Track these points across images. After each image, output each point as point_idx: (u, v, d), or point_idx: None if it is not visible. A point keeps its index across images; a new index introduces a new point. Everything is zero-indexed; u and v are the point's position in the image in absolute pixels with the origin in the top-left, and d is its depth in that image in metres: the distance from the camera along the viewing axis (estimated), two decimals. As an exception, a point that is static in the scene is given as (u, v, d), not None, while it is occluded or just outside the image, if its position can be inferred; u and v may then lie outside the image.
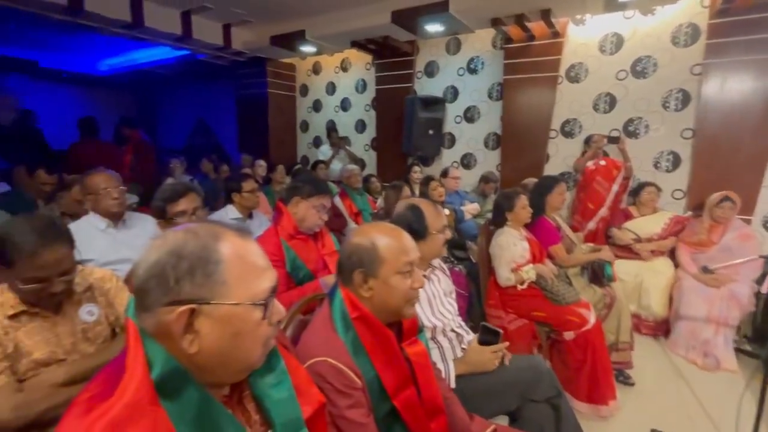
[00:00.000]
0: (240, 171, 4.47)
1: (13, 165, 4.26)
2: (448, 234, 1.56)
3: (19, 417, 1.01)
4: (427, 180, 3.40)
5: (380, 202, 4.10)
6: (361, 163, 5.42)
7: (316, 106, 6.13)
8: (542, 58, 4.07)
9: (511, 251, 2.24)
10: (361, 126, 5.72)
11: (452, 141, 4.94)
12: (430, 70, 4.96)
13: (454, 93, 4.83)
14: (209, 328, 0.62)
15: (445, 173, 3.98)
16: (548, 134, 4.19)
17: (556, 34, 3.93)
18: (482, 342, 1.49)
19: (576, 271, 2.59)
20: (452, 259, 3.02)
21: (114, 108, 7.79)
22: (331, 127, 5.67)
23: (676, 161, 3.63)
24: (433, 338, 1.46)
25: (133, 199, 3.23)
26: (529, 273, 2.24)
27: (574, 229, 3.27)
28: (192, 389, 0.62)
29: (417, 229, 1.46)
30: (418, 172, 4.33)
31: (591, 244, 2.88)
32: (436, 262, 1.64)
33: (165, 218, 1.79)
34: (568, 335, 2.09)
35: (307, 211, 1.88)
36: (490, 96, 4.61)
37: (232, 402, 0.71)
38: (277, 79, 6.01)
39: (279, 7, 4.37)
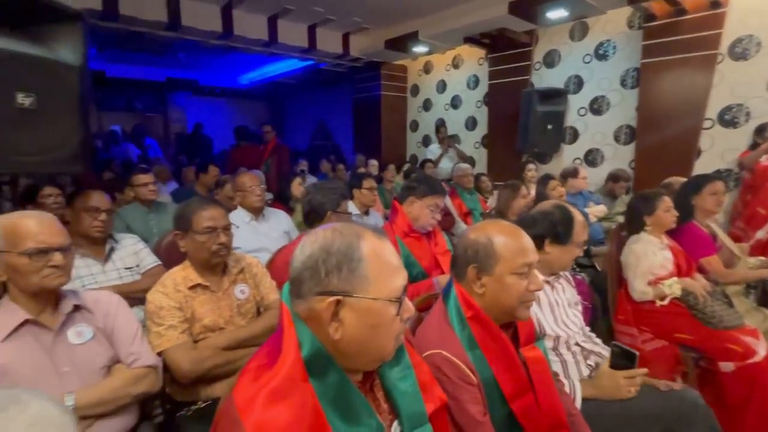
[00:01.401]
0: (355, 170, 4.78)
1: (182, 166, 5.25)
2: (582, 251, 1.44)
3: (194, 370, 1.25)
4: (546, 179, 3.15)
5: (491, 201, 3.96)
6: (471, 162, 5.30)
7: (426, 105, 6.19)
8: (695, 35, 3.44)
9: (650, 261, 1.95)
10: (471, 123, 5.59)
11: (574, 136, 4.51)
12: (550, 61, 4.60)
13: (578, 83, 4.40)
14: (352, 318, 0.68)
15: (573, 173, 3.61)
16: (701, 124, 3.53)
17: (716, 4, 3.29)
18: (615, 365, 1.33)
19: (738, 290, 2.14)
20: (574, 266, 2.76)
21: (251, 116, 9.00)
22: (441, 125, 5.65)
23: None
24: (555, 349, 1.36)
25: (268, 196, 3.69)
26: (673, 287, 1.92)
27: (736, 239, 2.70)
28: (333, 371, 0.69)
29: (560, 232, 1.38)
30: (532, 170, 4.05)
31: (760, 258, 2.35)
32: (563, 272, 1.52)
33: (335, 211, 1.87)
34: (726, 366, 1.74)
35: (421, 211, 1.92)
36: (623, 84, 4.08)
37: (364, 388, 0.77)
38: (390, 81, 6.24)
39: (393, 11, 4.52)
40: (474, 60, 5.40)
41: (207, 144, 6.59)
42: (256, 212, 2.44)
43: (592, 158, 4.40)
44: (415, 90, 6.34)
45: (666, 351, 1.91)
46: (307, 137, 8.77)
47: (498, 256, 1.02)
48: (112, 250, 1.86)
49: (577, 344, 1.41)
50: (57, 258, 1.07)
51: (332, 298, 0.67)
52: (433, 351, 0.96)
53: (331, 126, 8.29)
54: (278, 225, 2.51)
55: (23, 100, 1.44)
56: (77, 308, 1.15)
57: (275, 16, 4.66)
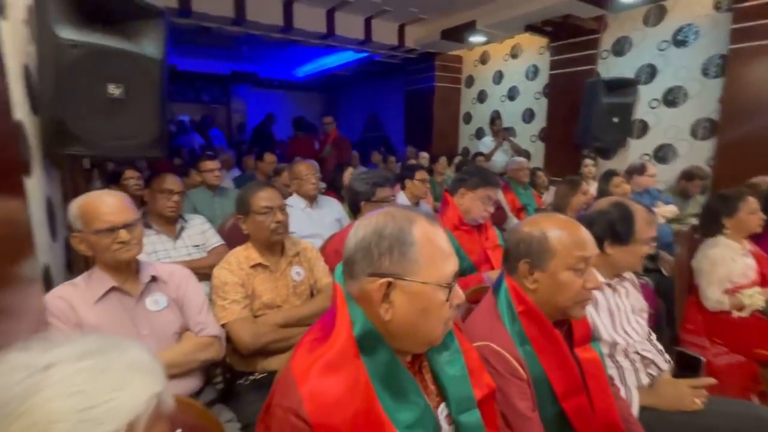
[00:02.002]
0: (405, 162, 4.78)
1: (243, 155, 5.56)
2: (651, 248, 1.34)
3: (253, 343, 1.35)
4: (609, 175, 2.96)
5: (547, 197, 3.79)
6: (526, 156, 5.10)
7: (481, 96, 6.02)
8: (797, 16, 3.03)
9: (728, 268, 1.78)
10: (528, 115, 5.37)
11: (643, 129, 4.18)
12: (620, 48, 4.28)
13: (650, 72, 4.06)
14: (402, 300, 0.70)
15: (640, 169, 3.34)
16: (798, 118, 3.13)
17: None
18: (678, 373, 1.24)
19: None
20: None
21: (306, 107, 9.28)
22: (496, 117, 5.48)
23: None
24: (611, 356, 1.29)
25: (322, 185, 3.81)
26: (754, 298, 1.74)
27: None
28: (383, 350, 0.71)
29: (619, 231, 1.30)
30: (589, 166, 3.82)
31: None
32: (628, 273, 1.43)
33: (370, 200, 1.84)
34: (815, 389, 1.56)
35: (473, 203, 1.89)
36: (704, 73, 3.70)
37: (413, 369, 0.78)
38: (444, 72, 6.14)
39: (451, 0, 4.43)
40: (534, 49, 5.16)
41: (271, 134, 6.94)
42: (311, 199, 2.53)
43: (662, 154, 4.05)
44: (470, 81, 6.19)
45: (742, 367, 1.74)
46: (358, 129, 8.89)
47: (552, 251, 0.98)
48: (182, 228, 2.03)
49: (636, 353, 1.32)
50: (123, 234, 1.17)
51: (383, 280, 0.69)
52: (481, 343, 0.95)
53: (383, 118, 8.33)
54: (331, 212, 2.60)
55: (113, 90, 1.60)
56: (154, 279, 1.28)
57: (333, 9, 4.75)
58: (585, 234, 1.00)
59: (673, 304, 2.15)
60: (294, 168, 2.55)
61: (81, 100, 1.54)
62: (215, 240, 2.09)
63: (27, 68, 1.56)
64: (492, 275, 1.72)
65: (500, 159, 4.86)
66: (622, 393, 1.22)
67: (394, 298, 0.70)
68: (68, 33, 1.48)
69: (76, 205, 1.19)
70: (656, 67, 4.02)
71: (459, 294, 0.74)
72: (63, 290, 1.16)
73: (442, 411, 0.78)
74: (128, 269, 1.23)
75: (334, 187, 3.37)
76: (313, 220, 2.48)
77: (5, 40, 1.32)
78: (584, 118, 4.14)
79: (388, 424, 0.67)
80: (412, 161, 4.70)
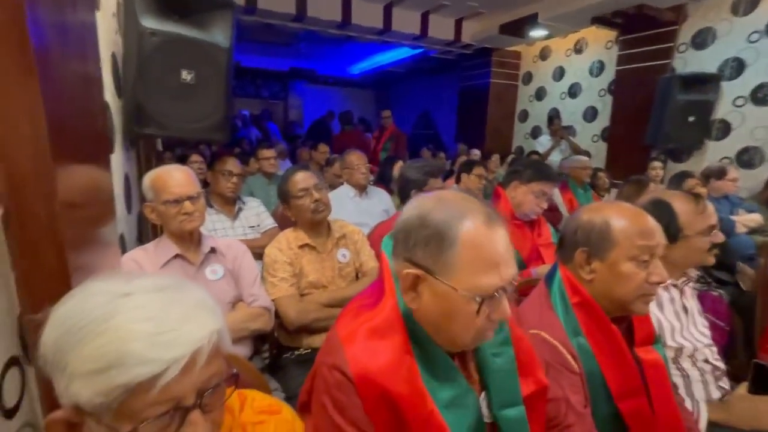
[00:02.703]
0: (455, 159, 4.71)
1: (296, 148, 5.77)
2: (719, 236, 1.21)
3: (299, 319, 1.40)
4: (682, 176, 2.71)
5: (607, 199, 3.56)
6: (586, 156, 4.81)
7: (539, 94, 5.77)
8: None
9: (823, 282, 1.56)
10: (591, 114, 5.06)
11: (725, 130, 3.78)
12: (701, 41, 3.90)
13: (737, 67, 3.66)
14: (428, 297, 0.65)
15: (719, 173, 3.03)
16: None
17: None
18: (755, 389, 1.11)
19: None
20: (709, 280, 2.35)
21: (359, 104, 9.43)
22: (554, 115, 5.23)
23: None
24: (676, 362, 1.18)
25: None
26: None
27: None
28: (421, 330, 0.68)
29: (664, 230, 1.19)
30: (657, 169, 3.52)
31: None
32: (694, 272, 1.31)
33: (421, 189, 1.88)
34: None
35: (525, 197, 1.82)
36: (804, 67, 3.28)
37: (457, 354, 0.74)
38: (501, 68, 5.95)
39: (513, -8, 4.29)
40: (601, 43, 4.85)
41: (329, 129, 7.19)
42: (360, 189, 2.57)
43: (748, 158, 3.64)
44: (528, 78, 5.95)
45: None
46: (410, 126, 8.88)
47: (614, 241, 0.91)
48: (239, 210, 2.15)
49: (707, 361, 1.20)
50: (187, 206, 1.27)
51: (411, 270, 0.65)
52: (532, 331, 0.91)
53: (434, 116, 8.25)
54: (379, 203, 2.62)
55: (186, 76, 1.73)
56: (213, 250, 1.36)
57: (390, 5, 4.78)
58: (651, 222, 0.93)
59: (752, 322, 1.93)
60: (345, 158, 2.60)
61: (157, 84, 1.68)
62: (269, 222, 2.19)
63: (114, 56, 1.72)
64: (541, 270, 1.65)
65: (556, 159, 4.63)
66: (688, 405, 1.12)
67: (422, 291, 0.66)
68: (150, 22, 1.62)
69: (149, 177, 1.29)
70: (744, 61, 3.61)
71: (504, 310, 0.65)
72: (135, 253, 1.28)
73: (482, 400, 0.74)
74: (191, 239, 1.33)
75: (383, 180, 3.40)
76: (361, 209, 2.52)
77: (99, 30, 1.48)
78: (656, 116, 3.83)
79: (429, 398, 0.66)
80: (463, 158, 4.61)
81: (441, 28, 5.20)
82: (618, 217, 0.93)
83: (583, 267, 0.95)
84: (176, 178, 1.29)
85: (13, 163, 0.66)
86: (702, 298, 1.46)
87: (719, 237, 1.21)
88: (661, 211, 1.22)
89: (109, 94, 1.63)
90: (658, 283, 0.91)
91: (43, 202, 0.66)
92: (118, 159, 1.66)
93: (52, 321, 0.44)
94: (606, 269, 0.93)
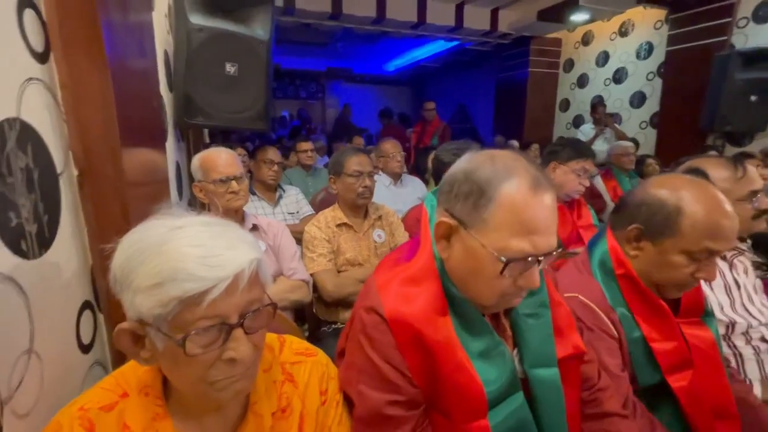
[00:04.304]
0: (493, 150, 4.62)
1: (333, 143, 5.91)
2: (766, 202, 1.13)
3: (336, 291, 1.46)
4: (739, 158, 2.52)
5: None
6: (634, 143, 4.57)
7: (581, 81, 5.54)
8: None
9: None
10: (638, 100, 4.79)
11: (793, 110, 3.46)
12: (764, 14, 3.58)
13: (806, 39, 3.34)
14: (458, 249, 0.67)
15: None
16: None
17: None
18: None
19: None
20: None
21: (395, 101, 9.46)
22: (598, 102, 4.99)
23: None
24: (727, 338, 1.11)
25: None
26: None
27: None
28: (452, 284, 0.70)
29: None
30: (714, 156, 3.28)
31: None
32: (745, 245, 1.23)
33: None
34: None
35: (566, 176, 1.78)
36: None
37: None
38: (540, 57, 5.77)
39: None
40: (649, 24, 4.58)
41: (350, 122, 7.32)
42: (396, 177, 2.61)
43: (820, 139, 3.31)
44: (569, 65, 5.72)
45: None
46: (446, 120, 8.80)
47: (679, 232, 0.83)
48: (280, 197, 2.25)
49: (764, 339, 1.13)
50: (233, 185, 1.36)
51: (444, 219, 0.66)
52: (569, 294, 0.89)
53: (471, 110, 8.13)
54: (414, 191, 2.64)
55: (230, 68, 1.84)
56: (255, 227, 1.45)
57: (425, -3, 4.78)
58: (727, 224, 0.82)
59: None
60: (380, 146, 2.65)
61: (204, 77, 1.80)
62: (307, 209, 2.28)
63: (166, 53, 1.86)
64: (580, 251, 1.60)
65: (600, 148, 4.42)
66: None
67: (453, 243, 0.68)
68: (197, 19, 1.74)
69: (198, 158, 1.40)
70: (815, 33, 3.29)
71: (533, 280, 0.64)
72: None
73: (514, 355, 0.74)
74: (236, 216, 1.42)
75: (417, 171, 3.41)
76: (396, 197, 2.55)
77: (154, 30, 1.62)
78: (711, 98, 3.57)
79: (460, 346, 0.67)
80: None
81: (477, 19, 5.12)
82: (695, 204, 0.82)
83: (630, 242, 0.90)
84: (224, 158, 1.38)
85: (86, 130, 0.75)
86: (765, 285, 1.37)
87: (765, 203, 1.13)
88: (696, 177, 1.16)
89: (163, 87, 1.78)
90: (704, 280, 0.87)
91: (111, 162, 0.75)
92: (170, 148, 1.80)
93: (120, 249, 0.51)
94: (655, 252, 0.87)
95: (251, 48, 1.88)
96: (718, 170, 1.12)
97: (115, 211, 0.79)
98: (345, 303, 1.48)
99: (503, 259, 0.61)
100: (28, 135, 0.63)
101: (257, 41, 1.90)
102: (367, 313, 0.68)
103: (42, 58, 0.69)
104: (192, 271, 0.47)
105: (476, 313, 0.70)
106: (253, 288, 0.52)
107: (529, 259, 0.62)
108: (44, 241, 0.65)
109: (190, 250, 0.48)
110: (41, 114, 0.67)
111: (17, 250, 0.58)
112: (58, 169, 0.71)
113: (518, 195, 0.61)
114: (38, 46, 0.68)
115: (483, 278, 0.65)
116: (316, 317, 1.61)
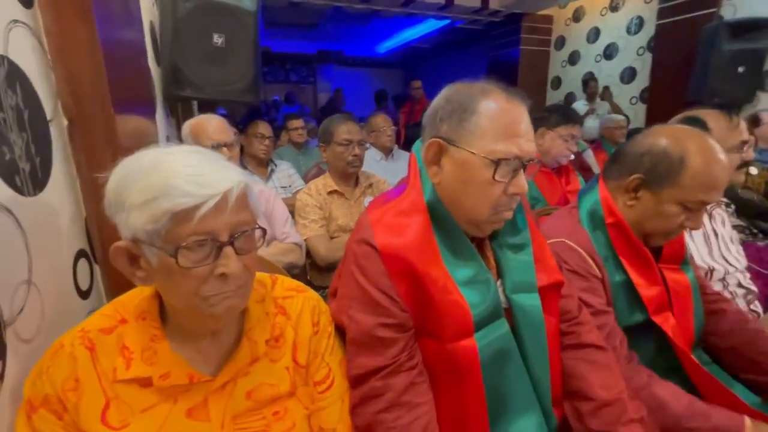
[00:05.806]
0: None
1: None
2: (750, 153, 1.17)
3: (328, 255, 1.49)
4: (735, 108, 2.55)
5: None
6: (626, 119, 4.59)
7: (573, 58, 5.53)
8: None
9: None
10: (628, 75, 4.81)
11: (780, 80, 3.49)
12: (754, -17, 3.58)
13: (794, 9, 3.35)
14: (449, 166, 0.72)
15: (755, 120, 2.88)
16: None
17: None
18: None
19: None
20: (755, 230, 2.23)
21: (387, 83, 9.38)
22: (590, 78, 4.99)
23: None
24: (706, 285, 1.17)
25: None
26: None
27: None
28: (445, 212, 0.73)
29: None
30: None
31: None
32: (723, 198, 1.27)
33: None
34: None
35: (553, 142, 1.80)
36: None
37: (475, 241, 0.78)
38: (531, 34, 5.74)
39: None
40: (640, -2, 4.57)
41: (341, 107, 7.27)
42: (387, 152, 2.61)
43: (806, 109, 3.36)
44: (561, 42, 5.70)
45: None
46: (438, 102, 8.78)
47: (679, 182, 0.84)
48: (272, 171, 2.27)
49: (740, 285, 1.18)
50: (224, 151, 1.36)
51: (433, 140, 0.71)
52: (555, 240, 0.93)
53: (464, 89, 8.09)
54: (405, 165, 2.63)
55: (217, 39, 1.82)
56: (247, 194, 1.46)
57: (414, -27, 4.71)
58: (722, 177, 0.85)
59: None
60: (371, 120, 2.64)
61: (191, 48, 1.78)
62: (299, 183, 2.29)
63: (152, 24, 1.84)
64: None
65: (592, 125, 4.44)
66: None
67: (444, 163, 0.72)
68: (182, -12, 1.72)
69: (188, 125, 1.41)
70: (803, 2, 3.30)
71: (521, 184, 0.69)
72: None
73: (498, 286, 0.77)
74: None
75: (409, 146, 3.42)
76: (388, 171, 2.56)
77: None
78: (700, 69, 3.58)
79: (448, 275, 0.70)
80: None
81: (467, -4, 5.07)
82: (698, 156, 0.84)
83: (629, 192, 0.92)
84: (214, 125, 1.39)
85: (74, 79, 0.76)
86: (747, 247, 1.41)
87: (750, 154, 1.17)
88: (695, 128, 1.19)
89: (150, 60, 1.77)
90: (690, 228, 0.90)
91: (101, 108, 0.76)
92: (160, 120, 1.80)
93: (113, 175, 0.53)
94: (652, 202, 0.89)
95: (238, 18, 1.87)
96: (715, 119, 1.15)
97: (106, 161, 0.81)
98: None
99: (494, 159, 0.67)
100: (16, 74, 0.64)
101: (244, 12, 1.88)
102: (358, 245, 0.71)
103: (27, 2, 0.69)
104: (182, 187, 0.49)
105: (464, 239, 0.74)
106: (242, 210, 0.55)
107: (515, 160, 0.67)
108: (37, 182, 0.67)
109: (182, 168, 0.51)
110: (28, 57, 0.68)
111: (11, 184, 0.60)
112: (48, 116, 0.72)
113: (498, 104, 0.68)
114: (22, -11, 0.68)
115: (476, 187, 0.69)
116: (310, 283, 1.64)
